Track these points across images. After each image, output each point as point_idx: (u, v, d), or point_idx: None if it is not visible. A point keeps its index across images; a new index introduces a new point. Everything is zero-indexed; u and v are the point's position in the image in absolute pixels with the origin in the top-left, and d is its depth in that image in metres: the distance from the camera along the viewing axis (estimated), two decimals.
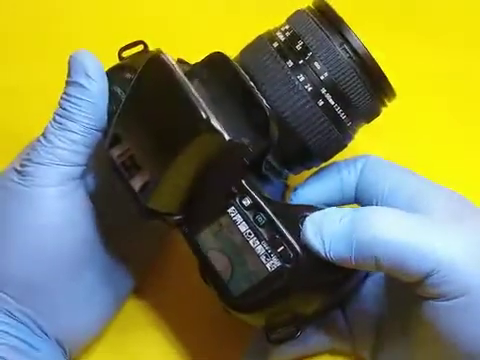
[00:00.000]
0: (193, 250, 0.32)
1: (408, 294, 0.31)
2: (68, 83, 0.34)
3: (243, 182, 0.31)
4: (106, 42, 0.39)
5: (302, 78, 0.32)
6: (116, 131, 0.32)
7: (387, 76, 0.32)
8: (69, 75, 0.34)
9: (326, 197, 0.35)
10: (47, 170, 0.33)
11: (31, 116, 0.42)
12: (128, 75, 0.35)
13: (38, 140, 0.34)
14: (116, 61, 0.37)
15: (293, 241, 0.31)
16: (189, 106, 0.29)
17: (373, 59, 0.32)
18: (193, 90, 0.29)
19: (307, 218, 0.31)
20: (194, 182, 0.31)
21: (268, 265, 0.31)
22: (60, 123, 0.34)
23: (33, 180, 0.33)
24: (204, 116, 0.29)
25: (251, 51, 0.33)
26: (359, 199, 0.35)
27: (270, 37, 0.33)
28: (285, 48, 0.32)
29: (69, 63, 0.34)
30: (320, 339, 0.37)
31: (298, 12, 0.34)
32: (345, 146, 0.34)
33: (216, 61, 0.32)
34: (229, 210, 0.31)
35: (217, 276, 0.31)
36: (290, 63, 0.32)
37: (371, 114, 0.34)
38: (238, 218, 0.31)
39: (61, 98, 0.34)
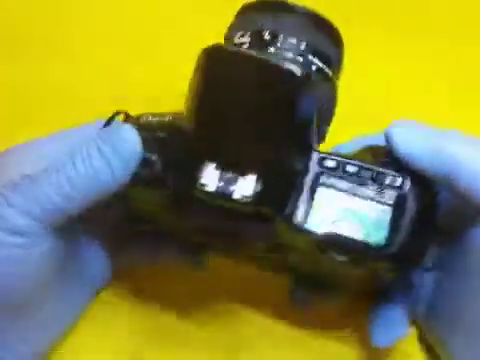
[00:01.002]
0: (305, 241, 0.31)
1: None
2: (102, 139, 0.31)
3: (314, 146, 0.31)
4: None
5: (290, 55, 0.33)
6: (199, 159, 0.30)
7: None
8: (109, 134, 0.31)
9: None
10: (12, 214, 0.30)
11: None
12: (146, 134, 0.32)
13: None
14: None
15: (391, 170, 0.31)
16: (277, 70, 0.29)
17: (316, 13, 0.34)
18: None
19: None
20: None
21: (387, 200, 0.31)
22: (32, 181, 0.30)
23: None
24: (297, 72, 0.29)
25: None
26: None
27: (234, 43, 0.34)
28: (257, 42, 0.33)
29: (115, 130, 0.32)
30: None
31: (239, 16, 0.36)
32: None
33: None
34: (322, 181, 0.31)
35: (355, 243, 0.30)
36: (272, 49, 0.33)
37: (340, 63, 0.36)
38: (334, 181, 0.31)
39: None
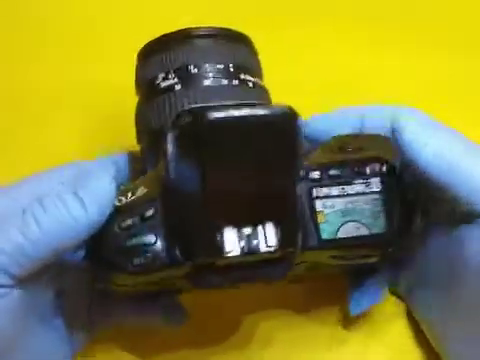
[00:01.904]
0: (319, 256, 0.32)
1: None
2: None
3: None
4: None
5: (226, 82, 0.33)
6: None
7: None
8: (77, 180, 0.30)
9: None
10: None
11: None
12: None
13: None
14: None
15: (367, 158, 0.32)
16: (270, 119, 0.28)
17: (223, 28, 0.34)
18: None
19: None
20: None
21: (375, 188, 0.32)
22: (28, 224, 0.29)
23: None
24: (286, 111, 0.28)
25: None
26: None
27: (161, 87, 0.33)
28: (186, 79, 0.33)
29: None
30: None
31: (148, 57, 0.34)
32: None
33: None
34: (315, 194, 0.32)
35: (364, 240, 0.32)
36: (207, 82, 0.33)
37: (261, 67, 0.36)
38: (325, 191, 0.32)
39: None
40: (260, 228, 0.29)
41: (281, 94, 0.35)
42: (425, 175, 0.32)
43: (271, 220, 0.29)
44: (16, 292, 0.29)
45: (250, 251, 0.28)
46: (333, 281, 0.39)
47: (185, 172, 0.29)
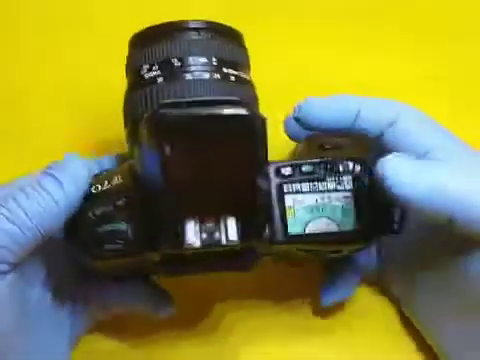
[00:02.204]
0: (287, 249, 0.33)
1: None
2: (43, 173, 0.31)
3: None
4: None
5: (207, 75, 0.33)
6: None
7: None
8: (49, 167, 0.32)
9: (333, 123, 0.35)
10: None
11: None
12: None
13: None
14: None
15: (339, 156, 0.33)
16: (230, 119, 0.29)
17: (209, 21, 0.34)
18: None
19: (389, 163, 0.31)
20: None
21: (346, 186, 0.33)
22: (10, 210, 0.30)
23: None
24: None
25: None
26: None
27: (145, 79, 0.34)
28: (169, 71, 0.33)
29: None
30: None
31: (136, 47, 0.35)
32: None
33: None
34: (286, 190, 0.32)
35: (332, 236, 0.32)
36: (188, 76, 0.33)
37: (248, 59, 0.36)
38: (296, 186, 0.33)
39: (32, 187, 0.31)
40: (222, 223, 0.30)
41: (270, 93, 0.36)
42: (419, 208, 0.31)
43: (232, 214, 0.30)
44: (10, 277, 0.31)
45: (211, 243, 0.30)
46: (314, 270, 0.40)
47: (153, 164, 0.30)
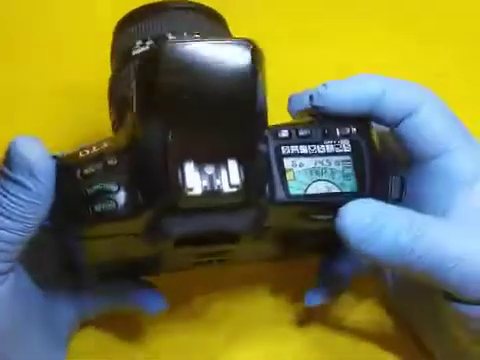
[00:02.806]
0: (290, 213, 0.31)
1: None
2: (7, 178, 0.29)
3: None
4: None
5: None
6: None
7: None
8: (9, 168, 0.29)
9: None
10: None
11: None
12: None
13: None
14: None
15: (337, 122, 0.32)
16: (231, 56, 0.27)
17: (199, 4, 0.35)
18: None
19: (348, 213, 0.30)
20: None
21: (345, 150, 0.32)
22: None
23: None
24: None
25: None
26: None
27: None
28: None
29: (9, 152, 0.29)
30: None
31: (125, 27, 0.35)
32: None
33: None
34: (284, 152, 0.31)
35: (333, 197, 0.31)
36: None
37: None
38: (294, 149, 0.31)
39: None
40: (223, 167, 0.28)
41: (278, 90, 0.35)
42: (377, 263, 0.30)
43: (234, 159, 0.28)
44: (12, 275, 0.30)
45: (212, 190, 0.27)
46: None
47: (149, 119, 0.28)
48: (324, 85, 0.32)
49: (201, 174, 0.27)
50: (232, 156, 0.28)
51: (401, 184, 0.32)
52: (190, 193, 0.27)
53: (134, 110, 0.29)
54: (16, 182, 0.29)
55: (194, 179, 0.27)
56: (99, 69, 0.35)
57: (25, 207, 0.29)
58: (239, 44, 0.28)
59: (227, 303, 0.39)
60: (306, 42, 0.50)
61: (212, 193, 0.27)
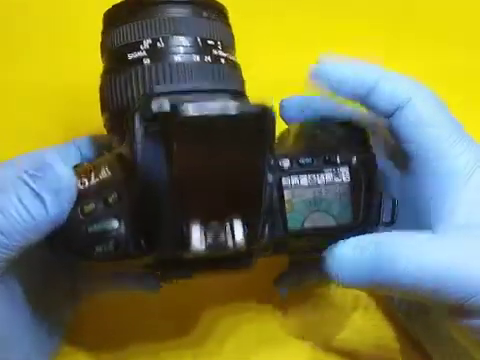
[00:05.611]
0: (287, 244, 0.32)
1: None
2: (29, 188, 0.28)
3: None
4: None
5: (197, 58, 0.32)
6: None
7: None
8: (35, 180, 0.28)
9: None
10: None
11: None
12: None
13: None
14: None
15: (342, 153, 0.32)
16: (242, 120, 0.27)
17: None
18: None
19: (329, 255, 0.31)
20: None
21: (344, 178, 0.32)
22: None
23: None
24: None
25: None
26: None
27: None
28: (154, 52, 0.31)
29: (44, 164, 0.28)
30: None
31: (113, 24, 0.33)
32: None
33: None
34: (284, 183, 0.31)
35: (330, 230, 0.32)
36: (178, 58, 0.31)
37: (233, 39, 0.35)
38: (294, 180, 0.31)
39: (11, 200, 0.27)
40: (227, 224, 0.28)
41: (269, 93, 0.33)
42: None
43: (239, 217, 0.28)
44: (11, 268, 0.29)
45: (216, 247, 0.28)
46: None
47: (153, 159, 0.27)
48: (322, 63, 0.33)
49: (205, 231, 0.28)
50: (237, 214, 0.28)
51: (393, 207, 0.33)
52: (194, 249, 0.27)
53: (138, 161, 0.28)
54: (37, 196, 0.28)
55: (199, 236, 0.27)
56: (99, 69, 0.35)
57: (27, 225, 0.27)
58: (250, 114, 0.26)
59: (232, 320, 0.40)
60: (306, 43, 0.49)
61: (216, 248, 0.28)
